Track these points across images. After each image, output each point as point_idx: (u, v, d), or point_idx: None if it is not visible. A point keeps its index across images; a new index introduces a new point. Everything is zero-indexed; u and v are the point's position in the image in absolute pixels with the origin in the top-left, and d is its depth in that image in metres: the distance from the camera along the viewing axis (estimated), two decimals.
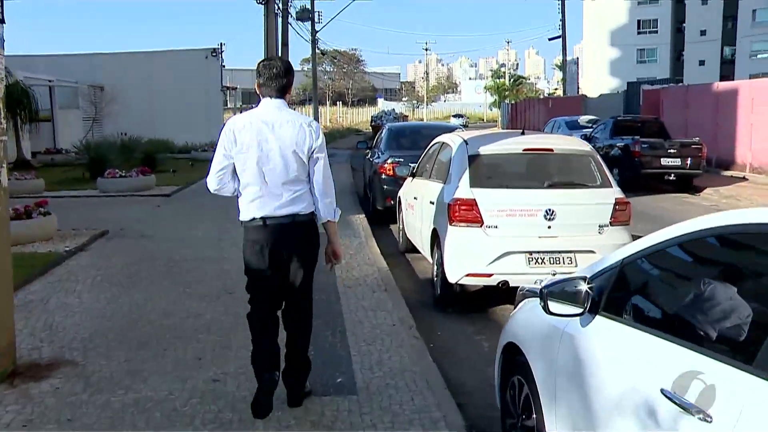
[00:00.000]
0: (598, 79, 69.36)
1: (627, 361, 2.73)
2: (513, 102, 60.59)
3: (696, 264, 2.89)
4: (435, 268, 7.49)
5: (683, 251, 2.83)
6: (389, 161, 12.04)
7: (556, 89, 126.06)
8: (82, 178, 18.06)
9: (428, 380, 4.86)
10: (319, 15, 48.69)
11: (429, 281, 8.18)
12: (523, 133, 7.88)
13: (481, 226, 6.80)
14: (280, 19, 32.34)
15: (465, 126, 68.40)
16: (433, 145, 9.05)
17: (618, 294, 3.04)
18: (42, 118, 27.64)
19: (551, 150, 7.38)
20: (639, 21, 74.85)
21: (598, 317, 3.03)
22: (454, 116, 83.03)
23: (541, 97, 73.37)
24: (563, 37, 42.13)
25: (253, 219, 4.28)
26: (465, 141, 7.51)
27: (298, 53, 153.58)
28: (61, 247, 9.02)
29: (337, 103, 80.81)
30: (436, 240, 7.37)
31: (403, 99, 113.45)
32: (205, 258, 8.66)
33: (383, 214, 12.28)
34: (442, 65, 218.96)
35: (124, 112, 33.34)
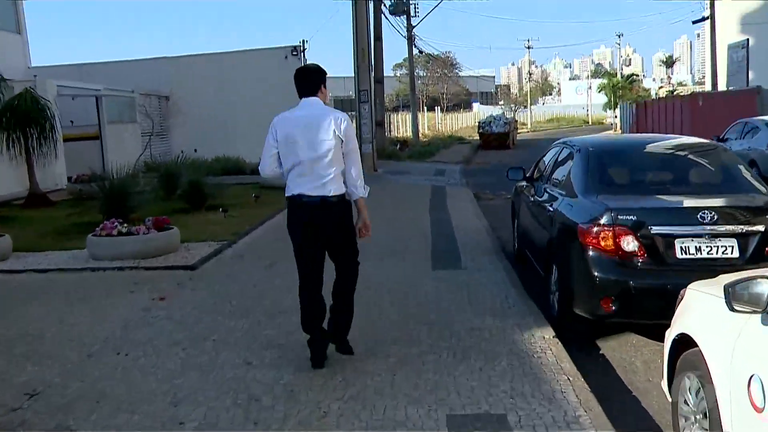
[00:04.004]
0: (720, 73, 60.36)
1: None
2: (637, 102, 52.87)
3: None
4: None
5: None
6: (604, 220, 5.78)
7: (661, 87, 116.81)
8: (100, 221, 12.53)
9: None
10: (415, 8, 42.65)
11: None
12: None
13: None
14: (372, 7, 26.52)
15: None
16: None
17: None
18: (85, 136, 22.81)
19: None
20: None
21: None
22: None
23: (678, 93, 64.73)
24: (712, 17, 34.64)
25: (293, 195, 5.05)
26: None
27: (393, 56, 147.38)
28: None
29: (435, 108, 74.47)
30: None
31: (500, 103, 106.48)
32: None
33: (584, 322, 6.12)
34: (536, 67, 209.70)
35: (193, 125, 28.34)
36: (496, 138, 40.46)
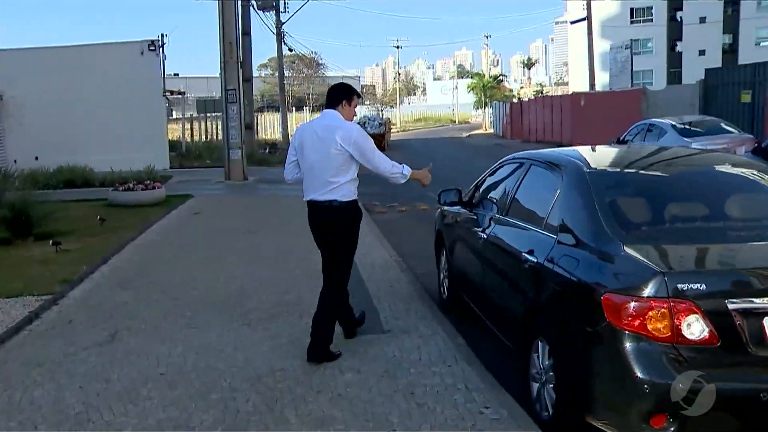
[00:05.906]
0: (587, 74, 62.05)
1: None
2: (512, 101, 52.49)
3: None
4: None
5: None
6: (651, 290, 3.60)
7: (522, 88, 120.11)
8: None
9: None
10: (285, 4, 40.04)
11: None
12: None
13: None
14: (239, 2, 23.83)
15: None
16: None
17: None
18: None
19: None
20: (632, 9, 67.70)
21: None
22: None
23: (546, 93, 65.16)
24: (588, 19, 34.13)
25: (307, 200, 5.48)
26: None
27: (258, 56, 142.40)
28: None
29: (303, 109, 71.90)
30: None
31: (366, 103, 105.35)
32: None
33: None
34: (402, 68, 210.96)
35: (33, 129, 24.51)
36: None
